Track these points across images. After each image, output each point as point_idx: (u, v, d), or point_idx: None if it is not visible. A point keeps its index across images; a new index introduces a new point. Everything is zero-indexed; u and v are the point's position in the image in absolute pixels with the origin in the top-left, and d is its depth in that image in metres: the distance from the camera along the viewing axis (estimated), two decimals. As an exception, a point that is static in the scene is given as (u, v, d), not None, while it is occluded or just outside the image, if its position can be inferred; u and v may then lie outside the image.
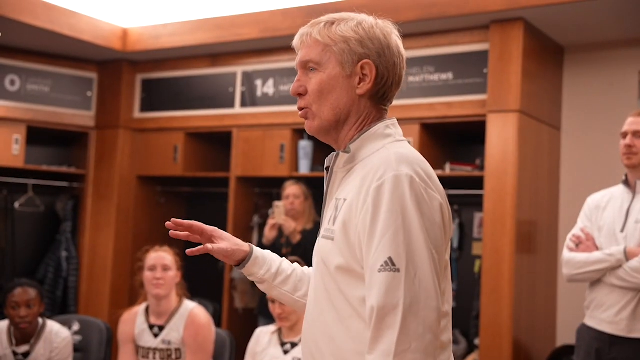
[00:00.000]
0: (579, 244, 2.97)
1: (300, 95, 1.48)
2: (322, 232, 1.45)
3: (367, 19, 1.46)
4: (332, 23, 1.46)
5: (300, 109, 1.48)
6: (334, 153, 1.47)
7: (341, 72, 1.43)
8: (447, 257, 1.41)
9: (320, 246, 1.44)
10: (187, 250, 1.57)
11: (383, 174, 1.32)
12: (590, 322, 2.94)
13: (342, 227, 1.37)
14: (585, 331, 2.96)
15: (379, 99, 1.46)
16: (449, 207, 1.41)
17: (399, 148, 1.40)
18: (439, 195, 1.35)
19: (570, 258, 2.96)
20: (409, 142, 1.48)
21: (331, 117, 1.44)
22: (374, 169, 1.35)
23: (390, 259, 1.27)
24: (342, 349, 1.37)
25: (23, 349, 3.33)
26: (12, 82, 5.00)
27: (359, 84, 1.43)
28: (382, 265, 1.27)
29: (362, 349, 1.32)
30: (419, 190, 1.31)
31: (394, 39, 1.46)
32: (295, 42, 1.51)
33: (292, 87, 1.49)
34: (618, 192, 2.99)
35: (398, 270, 1.26)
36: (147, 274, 3.21)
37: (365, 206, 1.32)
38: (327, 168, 1.49)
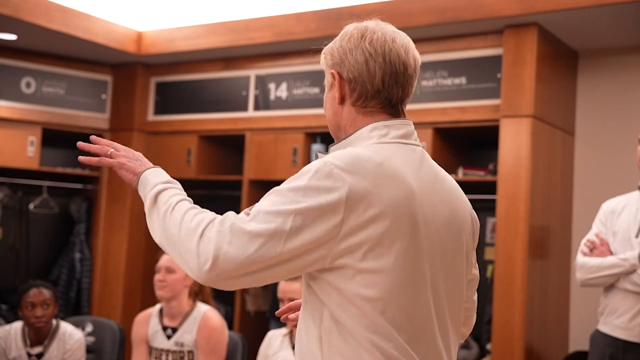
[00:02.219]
0: (593, 249, 2.97)
1: None
2: None
3: (346, 31, 1.50)
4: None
5: None
6: (316, 154, 1.51)
7: (327, 87, 1.52)
8: (429, 264, 1.38)
9: None
10: (282, 318, 1.73)
11: None
12: (603, 328, 2.93)
13: None
14: (598, 337, 2.95)
15: (359, 102, 1.47)
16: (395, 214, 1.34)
17: (361, 148, 1.39)
18: (346, 194, 1.29)
19: (583, 262, 2.95)
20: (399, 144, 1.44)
21: (330, 129, 1.54)
22: None
23: (251, 207, 1.36)
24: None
25: (37, 350, 3.36)
26: (28, 85, 5.04)
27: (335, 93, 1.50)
28: (246, 210, 1.38)
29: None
30: (322, 175, 1.31)
31: (368, 38, 1.45)
32: None
33: None
34: (634, 198, 2.99)
35: (248, 214, 1.34)
36: (157, 276, 3.24)
37: None
38: None
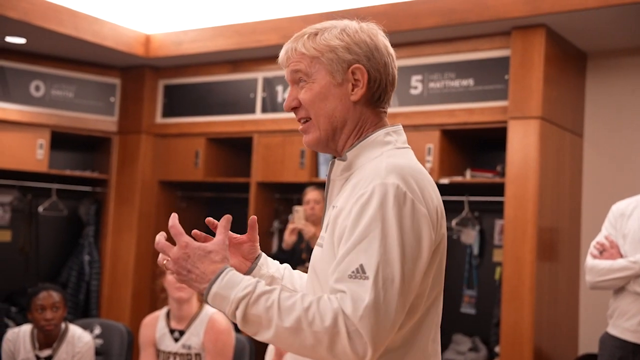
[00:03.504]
0: (602, 251, 2.95)
1: (294, 109, 1.47)
2: (318, 239, 1.45)
3: (350, 24, 1.45)
4: (316, 34, 1.44)
5: (300, 121, 1.47)
6: (332, 160, 1.46)
7: (332, 81, 1.41)
8: (442, 265, 1.41)
9: (313, 254, 1.45)
10: None
11: (371, 182, 1.31)
12: (613, 330, 2.91)
13: (330, 234, 1.37)
14: (608, 340, 2.93)
15: (375, 102, 1.44)
16: (443, 221, 1.39)
17: (395, 157, 1.37)
18: (426, 209, 1.31)
19: (593, 265, 2.93)
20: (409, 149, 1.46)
21: (328, 127, 1.43)
22: (365, 177, 1.34)
23: (362, 266, 1.25)
24: None
25: (46, 352, 3.37)
26: (37, 88, 5.07)
27: (352, 90, 1.41)
28: (353, 272, 1.25)
29: None
30: (402, 201, 1.28)
31: (380, 40, 1.44)
32: (281, 59, 1.49)
33: (285, 102, 1.48)
34: (643, 200, 2.97)
35: (367, 278, 1.24)
36: (170, 277, 3.23)
37: (350, 214, 1.31)
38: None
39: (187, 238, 1.38)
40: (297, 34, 1.48)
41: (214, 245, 1.38)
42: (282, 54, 1.48)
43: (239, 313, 1.28)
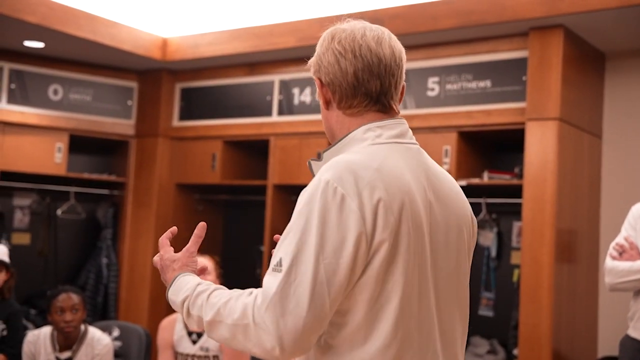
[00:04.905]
0: (622, 253, 2.93)
1: None
2: None
3: (323, 34, 1.50)
4: None
5: None
6: (309, 161, 1.48)
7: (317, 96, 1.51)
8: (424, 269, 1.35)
9: None
10: None
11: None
12: (633, 333, 2.88)
13: None
14: (628, 342, 2.90)
15: (345, 103, 1.44)
16: (402, 218, 1.31)
17: (357, 153, 1.36)
18: (358, 205, 1.27)
19: (613, 266, 2.91)
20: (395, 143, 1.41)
21: (327, 136, 1.51)
22: None
23: (280, 259, 1.27)
24: None
25: (66, 354, 3.40)
26: (55, 92, 5.11)
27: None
28: (274, 265, 1.28)
29: None
30: (330, 196, 1.27)
31: (337, 39, 1.44)
32: None
33: None
34: (663, 201, 2.94)
35: (281, 271, 1.25)
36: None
37: None
38: None
39: (163, 251, 1.54)
40: None
41: (179, 254, 1.51)
42: None
43: (184, 315, 1.40)
